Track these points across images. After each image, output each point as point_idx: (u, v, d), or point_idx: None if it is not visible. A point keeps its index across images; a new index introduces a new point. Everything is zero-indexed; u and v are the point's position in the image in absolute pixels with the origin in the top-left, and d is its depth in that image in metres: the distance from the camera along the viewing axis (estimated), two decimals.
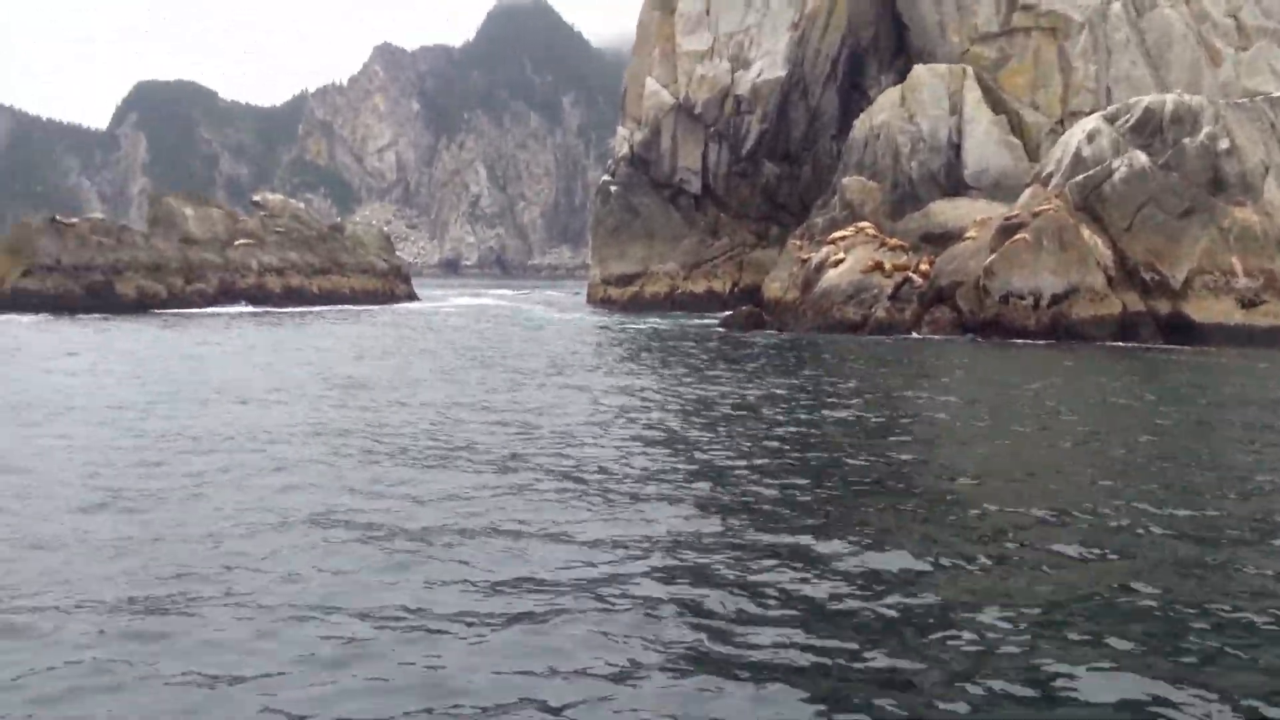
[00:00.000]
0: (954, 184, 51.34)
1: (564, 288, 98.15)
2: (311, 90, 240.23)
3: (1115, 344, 32.92)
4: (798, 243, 49.63)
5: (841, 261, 41.70)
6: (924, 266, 40.77)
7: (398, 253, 75.39)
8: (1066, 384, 21.50)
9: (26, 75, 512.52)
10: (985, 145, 50.91)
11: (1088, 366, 25.55)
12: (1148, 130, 38.59)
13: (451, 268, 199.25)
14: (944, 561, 8.36)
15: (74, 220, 53.49)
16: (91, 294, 49.61)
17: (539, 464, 12.31)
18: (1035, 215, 36.32)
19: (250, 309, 51.12)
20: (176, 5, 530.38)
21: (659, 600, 7.41)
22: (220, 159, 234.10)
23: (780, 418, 16.32)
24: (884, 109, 54.83)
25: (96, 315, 45.04)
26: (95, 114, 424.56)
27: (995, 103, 51.74)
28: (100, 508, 10.02)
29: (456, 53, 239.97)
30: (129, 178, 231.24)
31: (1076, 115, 47.26)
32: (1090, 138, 39.19)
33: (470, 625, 6.88)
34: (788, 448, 13.61)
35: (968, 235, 40.96)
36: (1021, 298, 35.53)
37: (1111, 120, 39.83)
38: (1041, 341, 33.55)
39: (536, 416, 16.11)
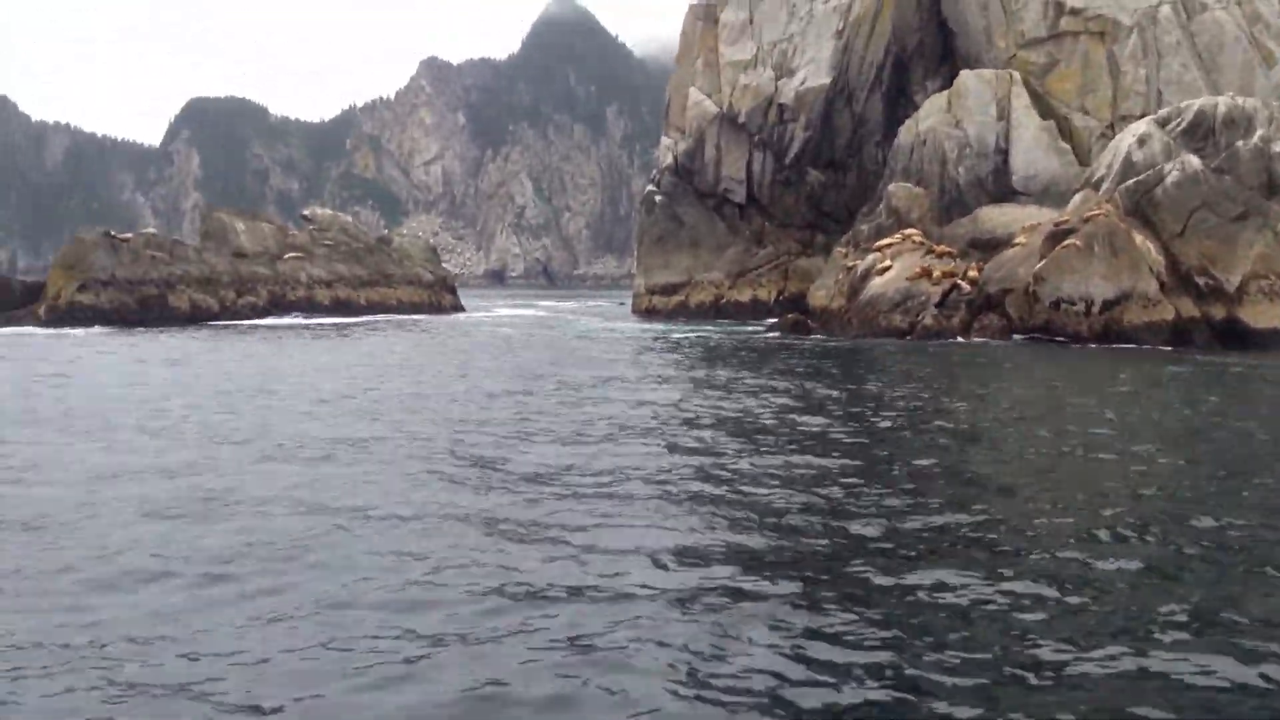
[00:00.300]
0: (1002, 190, 50.86)
1: (610, 297, 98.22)
2: (360, 105, 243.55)
3: (1168, 349, 32.33)
4: (843, 250, 49.39)
5: (888, 269, 41.42)
6: (972, 273, 40.39)
7: (444, 264, 76.05)
8: (1132, 394, 21.07)
9: (83, 94, 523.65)
10: (1034, 150, 50.42)
11: (1145, 375, 25.10)
12: (1200, 133, 37.99)
13: (497, 278, 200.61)
14: (1005, 571, 8.25)
15: (128, 235, 54.48)
16: (145, 307, 50.44)
17: (616, 468, 12.35)
18: (1086, 220, 35.84)
19: (302, 320, 51.75)
20: (228, 26, 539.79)
21: (726, 606, 7.39)
22: (271, 174, 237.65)
23: (843, 420, 16.21)
24: (930, 115, 54.50)
25: (156, 329, 45.85)
26: (149, 131, 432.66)
27: (1043, 108, 51.26)
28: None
29: (502, 66, 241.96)
30: (182, 193, 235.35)
31: (1126, 119, 46.65)
32: (1141, 142, 38.65)
33: (527, 633, 6.90)
34: (848, 452, 13.53)
35: (1017, 241, 40.56)
36: (1072, 304, 35.07)
37: (1163, 124, 39.26)
38: (1093, 345, 33.08)
39: (601, 423, 16.18)
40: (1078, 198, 39.47)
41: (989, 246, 43.86)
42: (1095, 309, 34.70)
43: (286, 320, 51.52)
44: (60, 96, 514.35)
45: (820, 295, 49.72)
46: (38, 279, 56.65)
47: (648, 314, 59.39)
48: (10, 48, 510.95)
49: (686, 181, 61.21)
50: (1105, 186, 38.43)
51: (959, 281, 39.97)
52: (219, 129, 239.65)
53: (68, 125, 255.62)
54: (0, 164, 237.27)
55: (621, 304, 72.75)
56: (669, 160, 62.09)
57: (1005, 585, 7.87)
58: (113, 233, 54.77)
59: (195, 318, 50.74)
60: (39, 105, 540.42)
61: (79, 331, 44.07)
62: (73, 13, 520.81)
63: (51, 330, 44.99)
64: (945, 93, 55.08)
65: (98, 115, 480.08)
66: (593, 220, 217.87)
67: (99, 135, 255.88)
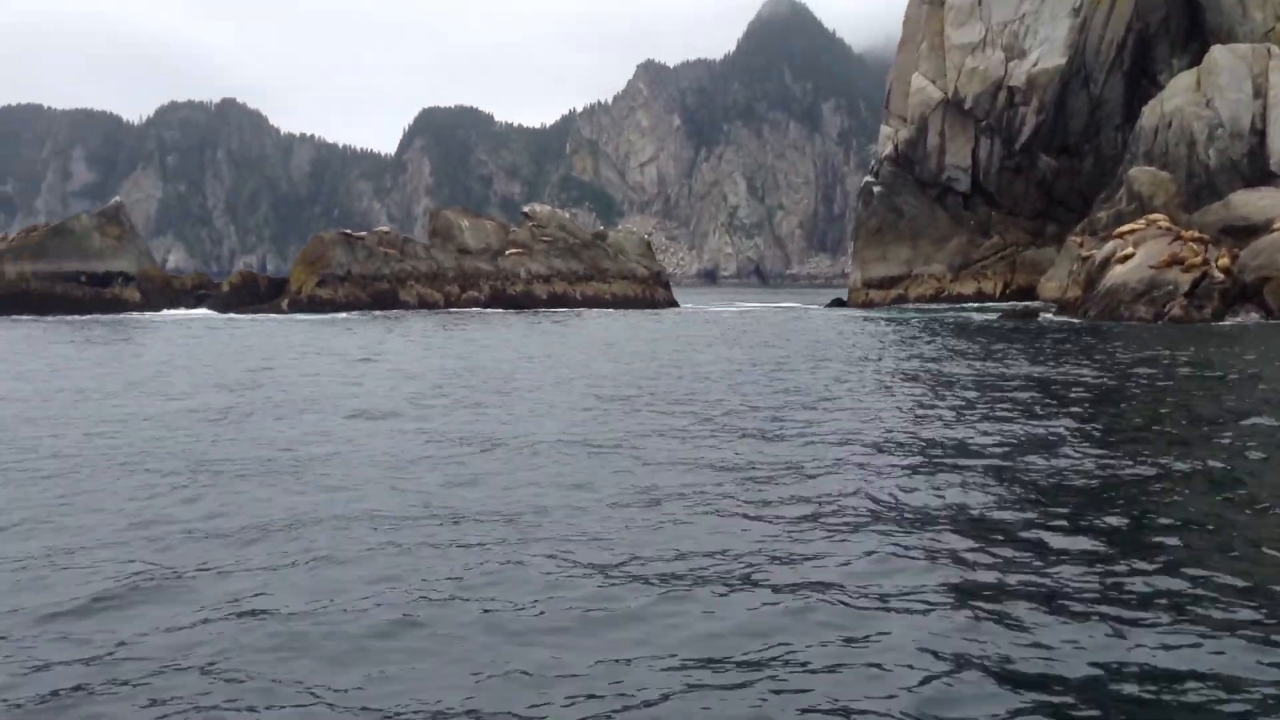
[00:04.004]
0: (1258, 173, 46.90)
1: (824, 295, 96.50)
2: (579, 109, 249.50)
3: None
4: (1078, 239, 46.55)
5: (1130, 257, 38.52)
6: (1224, 260, 37.13)
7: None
8: None
9: (326, 107, 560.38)
10: None
11: None
12: None
13: (709, 278, 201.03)
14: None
15: (362, 234, 57.47)
16: (377, 301, 53.01)
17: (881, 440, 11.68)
18: None
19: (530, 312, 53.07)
20: (458, 38, 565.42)
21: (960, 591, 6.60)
22: (495, 179, 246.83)
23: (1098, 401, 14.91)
24: (1176, 94, 50.80)
25: (392, 314, 47.98)
26: (385, 140, 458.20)
27: None
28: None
29: (717, 66, 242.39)
30: (414, 200, 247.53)
31: None
32: None
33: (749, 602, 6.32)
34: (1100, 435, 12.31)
35: (1276, 227, 37.28)
36: None
37: None
38: None
39: (848, 399, 15.55)
40: None
41: (1244, 233, 40.48)
42: None
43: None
44: (305, 111, 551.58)
45: (1051, 287, 47.03)
46: (282, 277, 60.42)
47: (864, 308, 57.63)
48: (260, 60, 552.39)
49: (907, 171, 59.13)
50: None
51: (1211, 270, 36.80)
52: (449, 136, 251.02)
53: (312, 137, 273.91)
54: (253, 175, 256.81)
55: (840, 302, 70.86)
56: (889, 149, 60.15)
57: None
58: (349, 231, 57.88)
59: (421, 309, 52.85)
60: (284, 117, 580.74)
61: (340, 316, 47.23)
62: (314, 28, 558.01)
63: (302, 316, 47.70)
64: (1194, 70, 51.27)
65: (339, 127, 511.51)
66: (806, 219, 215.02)
67: (340, 146, 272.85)
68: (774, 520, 8.33)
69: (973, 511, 8.55)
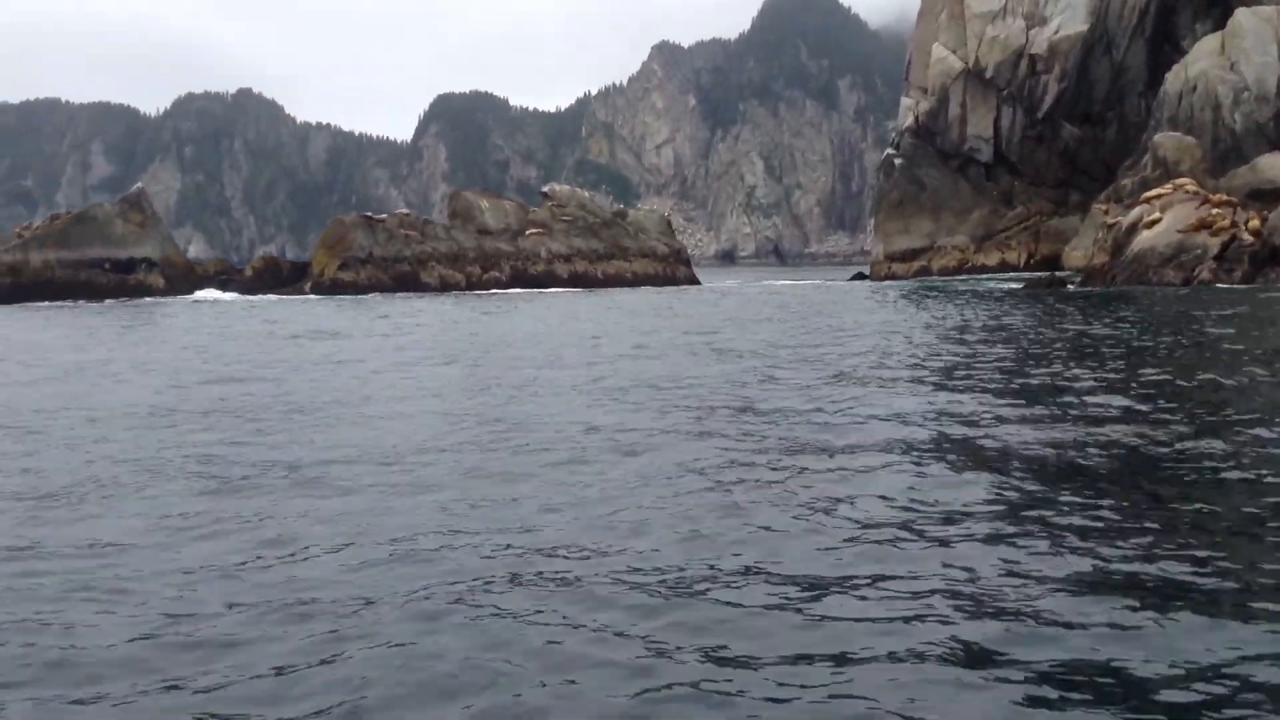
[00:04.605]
0: None
1: (844, 273, 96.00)
2: (593, 92, 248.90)
3: None
4: (1103, 207, 46.16)
5: (1157, 221, 38.13)
6: (1253, 223, 36.72)
7: None
8: None
9: (342, 96, 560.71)
10: None
11: None
12: None
13: (728, 259, 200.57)
14: None
15: (383, 216, 57.48)
16: (399, 284, 53.00)
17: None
18: None
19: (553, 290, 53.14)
20: (471, 22, 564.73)
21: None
22: (511, 163, 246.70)
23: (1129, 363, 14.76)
24: (1201, 59, 50.23)
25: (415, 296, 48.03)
26: (401, 127, 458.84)
27: None
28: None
29: (732, 45, 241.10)
30: (431, 186, 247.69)
31: None
32: None
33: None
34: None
35: None
36: None
37: None
38: None
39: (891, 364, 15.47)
40: None
41: (1272, 196, 40.22)
42: None
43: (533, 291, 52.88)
44: (321, 96, 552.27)
45: (1077, 255, 46.69)
46: (304, 261, 60.55)
47: (887, 281, 57.32)
48: (275, 51, 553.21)
49: (928, 142, 58.68)
50: None
51: (1240, 233, 36.41)
52: (464, 122, 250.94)
53: (328, 125, 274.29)
54: (270, 164, 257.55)
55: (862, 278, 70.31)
56: (909, 121, 59.70)
57: None
58: (370, 214, 57.93)
59: (444, 292, 52.85)
60: (300, 106, 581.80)
61: (367, 297, 47.32)
62: (327, 17, 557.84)
63: (320, 297, 47.84)
64: (1217, 34, 50.68)
65: (354, 114, 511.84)
66: (824, 197, 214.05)
67: (356, 134, 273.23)
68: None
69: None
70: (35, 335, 27.14)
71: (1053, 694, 4.12)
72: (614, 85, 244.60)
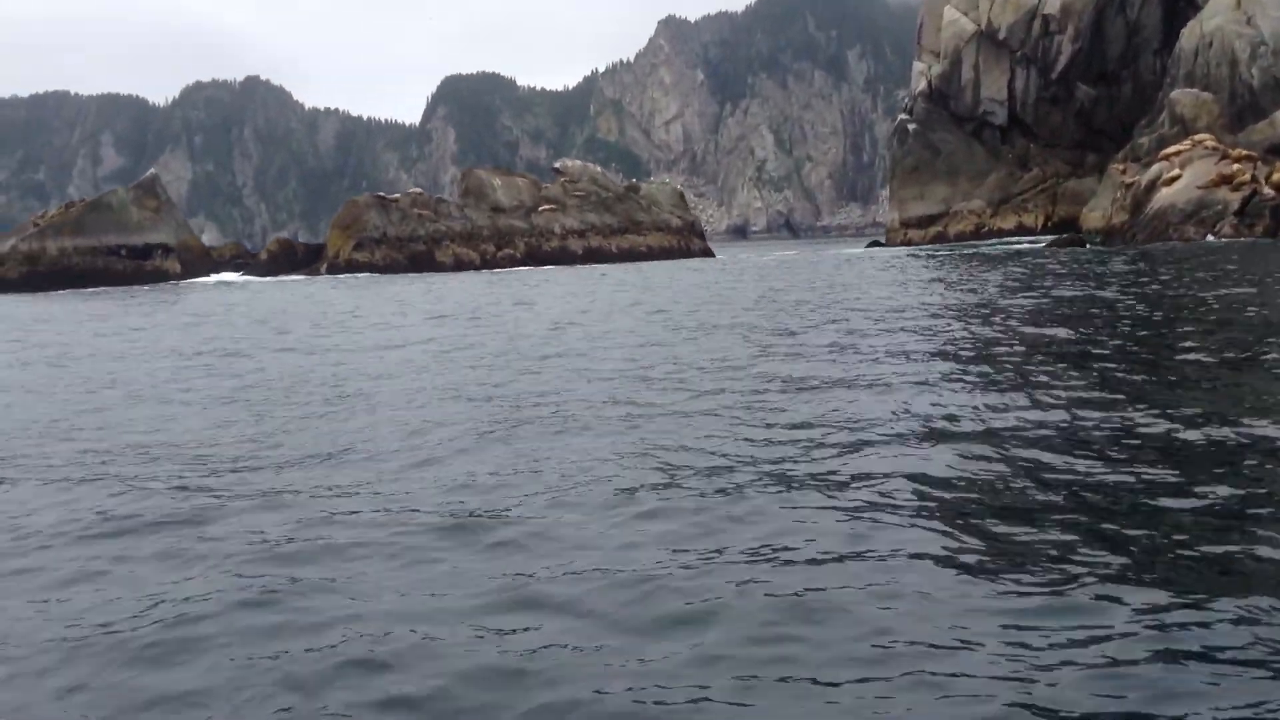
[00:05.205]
0: None
1: (859, 244, 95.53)
2: (601, 70, 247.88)
3: None
4: (1120, 167, 45.76)
5: (1177, 178, 37.82)
6: (1276, 177, 36.37)
7: None
8: None
9: (350, 80, 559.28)
10: None
11: None
12: None
13: (740, 233, 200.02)
14: None
15: (396, 196, 57.44)
16: (414, 263, 52.99)
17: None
18: None
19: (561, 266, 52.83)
20: (478, 3, 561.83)
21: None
22: (521, 144, 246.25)
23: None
24: (1216, 14, 49.59)
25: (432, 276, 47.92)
26: (409, 110, 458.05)
27: None
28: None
29: (739, 18, 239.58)
30: (440, 168, 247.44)
31: None
32: None
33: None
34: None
35: None
36: None
37: None
38: None
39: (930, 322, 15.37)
40: None
41: None
42: None
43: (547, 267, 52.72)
44: (328, 81, 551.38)
45: (1095, 216, 46.39)
46: (319, 244, 60.58)
47: (904, 247, 57.00)
48: (282, 36, 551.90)
49: (941, 107, 58.25)
50: None
51: (1261, 187, 36.08)
52: (472, 103, 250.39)
53: (337, 110, 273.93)
54: (280, 151, 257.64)
55: (878, 243, 69.67)
56: (922, 86, 59.25)
57: None
58: (383, 194, 57.89)
59: (459, 271, 52.77)
60: (308, 92, 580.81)
61: (382, 277, 46.79)
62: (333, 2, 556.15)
63: (333, 278, 47.84)
64: None
65: (362, 98, 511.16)
66: (835, 170, 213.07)
67: (364, 118, 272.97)
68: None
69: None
70: (122, 320, 26.00)
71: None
72: (621, 62, 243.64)
